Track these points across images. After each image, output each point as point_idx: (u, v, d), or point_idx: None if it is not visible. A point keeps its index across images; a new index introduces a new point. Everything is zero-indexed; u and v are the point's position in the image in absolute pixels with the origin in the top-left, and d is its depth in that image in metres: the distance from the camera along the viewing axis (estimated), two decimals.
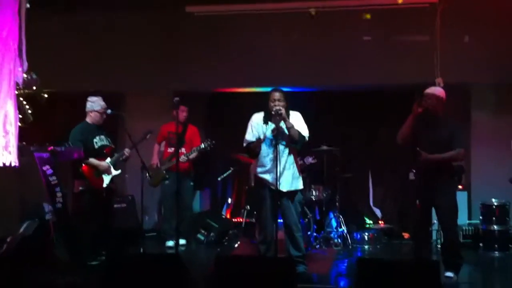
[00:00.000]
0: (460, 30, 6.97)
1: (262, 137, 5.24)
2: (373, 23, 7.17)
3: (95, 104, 6.05)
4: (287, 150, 5.22)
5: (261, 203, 5.27)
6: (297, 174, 5.32)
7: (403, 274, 3.79)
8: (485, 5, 6.84)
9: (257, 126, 5.31)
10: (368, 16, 7.14)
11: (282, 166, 5.12)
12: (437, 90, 5.56)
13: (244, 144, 5.38)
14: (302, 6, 7.09)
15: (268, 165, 5.18)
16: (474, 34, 6.94)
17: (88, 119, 6.06)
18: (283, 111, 5.04)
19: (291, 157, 5.27)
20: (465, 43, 7.03)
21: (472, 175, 7.40)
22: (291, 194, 5.23)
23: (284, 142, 5.18)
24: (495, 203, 6.68)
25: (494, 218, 6.65)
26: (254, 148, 5.30)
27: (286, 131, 5.14)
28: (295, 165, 5.30)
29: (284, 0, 7.04)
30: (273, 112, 5.09)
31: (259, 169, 5.31)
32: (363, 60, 7.16)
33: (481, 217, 6.80)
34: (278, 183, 4.98)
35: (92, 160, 5.90)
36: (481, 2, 6.86)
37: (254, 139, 5.28)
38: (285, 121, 5.08)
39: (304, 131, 5.25)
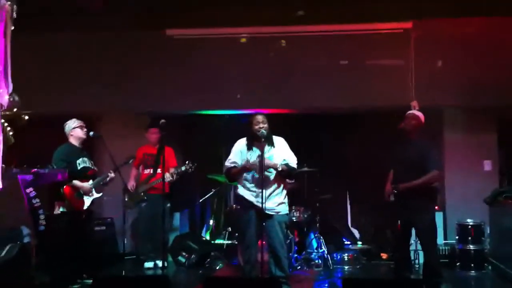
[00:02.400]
0: (433, 54, 7.17)
1: (243, 163, 5.32)
2: (349, 48, 7.32)
3: (71, 123, 6.09)
4: (273, 174, 5.30)
5: (246, 224, 5.32)
6: (284, 196, 5.40)
7: None
8: (456, 31, 7.08)
9: (239, 153, 5.40)
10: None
11: (269, 189, 5.21)
12: (418, 113, 5.77)
13: (224, 169, 5.48)
14: (278, 30, 7.23)
15: (255, 188, 5.25)
16: (447, 58, 7.14)
17: (71, 140, 6.06)
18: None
19: (279, 182, 5.35)
20: (438, 67, 7.22)
21: (447, 195, 7.57)
22: (278, 216, 5.31)
23: (268, 168, 5.26)
24: (471, 223, 6.84)
25: (469, 238, 6.79)
26: (234, 175, 5.43)
27: (270, 158, 5.24)
28: (282, 187, 5.38)
29: (261, 24, 7.15)
30: (258, 134, 5.17)
31: (246, 191, 5.38)
32: (340, 83, 7.30)
33: (457, 237, 6.94)
34: (264, 205, 5.05)
35: (75, 182, 5.89)
36: (452, 29, 7.09)
37: (231, 165, 5.38)
38: (274, 167, 5.21)
39: (293, 159, 5.39)
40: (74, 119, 6.15)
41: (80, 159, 6.02)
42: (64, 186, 5.83)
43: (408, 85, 7.06)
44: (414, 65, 7.11)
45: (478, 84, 6.99)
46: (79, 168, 5.98)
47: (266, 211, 5.17)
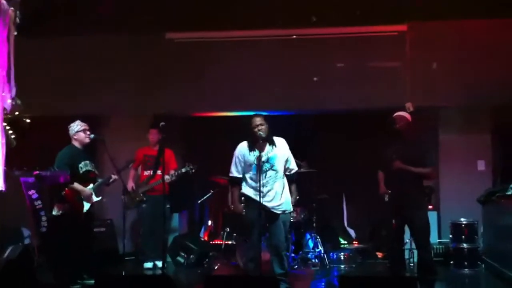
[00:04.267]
0: (428, 56, 7.26)
1: (250, 165, 5.46)
2: (346, 50, 7.43)
3: (75, 126, 6.15)
4: (277, 174, 5.42)
5: (251, 223, 5.43)
6: (289, 196, 5.53)
7: None
8: (450, 33, 7.19)
9: (242, 158, 5.51)
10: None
11: (274, 189, 5.33)
12: (404, 113, 5.90)
13: (230, 174, 5.62)
14: (279, 33, 7.33)
15: (262, 189, 5.32)
16: (441, 60, 7.23)
17: (74, 143, 6.13)
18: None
19: (281, 180, 5.47)
20: (433, 69, 7.30)
21: (441, 195, 7.67)
22: (282, 215, 5.44)
23: (273, 167, 5.39)
24: (464, 222, 6.94)
25: (463, 236, 6.89)
26: (234, 182, 5.60)
27: (273, 159, 5.38)
28: (286, 188, 5.51)
29: (260, 28, 7.25)
30: (257, 136, 5.30)
31: (250, 190, 5.49)
32: (337, 85, 7.41)
33: (451, 236, 7.04)
34: (265, 203, 5.23)
35: (77, 185, 5.95)
36: (447, 31, 7.20)
37: (238, 175, 5.53)
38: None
39: (294, 165, 5.57)
40: (78, 122, 6.18)
41: (83, 163, 6.09)
42: (65, 189, 5.90)
43: (404, 87, 7.16)
44: (410, 67, 7.21)
45: (472, 85, 7.09)
46: (81, 171, 6.05)
47: (272, 210, 5.31)
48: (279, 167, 5.44)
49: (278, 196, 5.40)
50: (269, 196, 5.34)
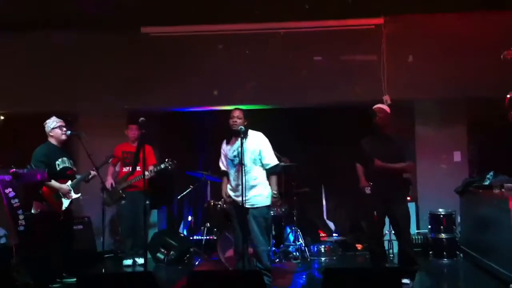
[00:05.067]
0: (405, 50, 7.32)
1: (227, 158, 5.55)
2: (322, 44, 7.43)
3: (50, 122, 6.05)
4: (250, 169, 5.41)
5: (232, 218, 5.55)
6: (262, 190, 5.49)
7: (367, 282, 4.00)
8: (427, 26, 7.25)
9: (223, 152, 5.66)
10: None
11: (246, 183, 5.29)
12: (384, 106, 5.95)
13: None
14: (255, 27, 7.29)
15: (233, 183, 5.44)
16: (418, 53, 7.29)
17: (51, 140, 6.03)
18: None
19: (254, 175, 5.46)
20: (409, 62, 7.37)
21: (419, 186, 7.76)
22: (254, 209, 5.42)
23: (245, 162, 5.37)
24: (442, 213, 7.05)
25: (442, 227, 7.01)
26: (225, 175, 5.71)
27: (245, 151, 5.38)
28: (259, 182, 5.49)
29: (239, 21, 7.21)
30: (233, 129, 5.33)
31: (228, 187, 5.60)
32: (314, 79, 7.41)
33: (429, 226, 7.15)
34: (233, 197, 5.35)
35: (54, 183, 5.86)
36: (423, 24, 7.26)
37: (224, 168, 5.67)
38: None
39: (270, 157, 5.52)
40: (53, 118, 6.09)
41: (60, 160, 6.00)
42: (43, 187, 5.80)
43: (380, 80, 7.20)
44: (386, 60, 7.26)
45: (448, 78, 7.18)
46: (58, 168, 5.95)
47: (240, 205, 5.30)
48: (247, 160, 5.39)
49: (246, 191, 5.32)
50: (238, 190, 5.35)
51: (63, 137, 6.06)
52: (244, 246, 5.23)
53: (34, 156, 5.84)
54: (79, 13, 6.65)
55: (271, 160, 5.51)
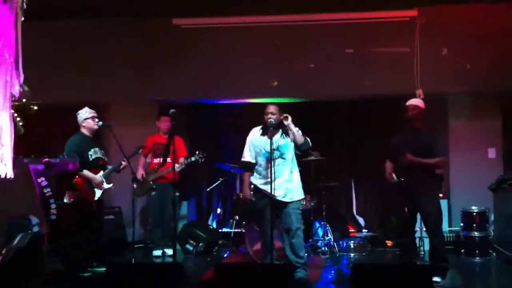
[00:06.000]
0: (438, 42, 7.16)
1: (261, 150, 5.48)
2: (355, 36, 7.31)
3: (83, 113, 6.13)
4: (285, 162, 5.40)
5: (261, 212, 5.49)
6: (297, 184, 5.52)
7: (396, 279, 3.93)
8: (461, 18, 7.08)
9: (254, 142, 5.56)
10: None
11: (281, 177, 5.32)
12: (418, 101, 5.82)
13: (242, 159, 5.66)
14: (286, 19, 7.22)
15: (268, 176, 5.32)
16: (452, 46, 7.13)
17: (83, 130, 6.11)
18: (289, 119, 5.25)
19: (290, 168, 5.47)
20: (443, 55, 7.20)
21: (451, 183, 7.63)
22: (291, 203, 5.44)
23: (283, 155, 5.39)
24: (475, 210, 6.90)
25: (474, 225, 6.86)
26: (246, 167, 5.64)
27: (283, 147, 5.33)
28: (294, 175, 5.51)
29: (266, 13, 7.16)
30: (268, 125, 5.27)
31: (259, 180, 5.54)
32: (346, 71, 7.30)
33: (462, 224, 7.01)
34: (273, 192, 5.17)
35: (86, 173, 5.94)
36: (457, 16, 7.09)
37: (251, 160, 5.58)
38: (290, 128, 5.31)
39: (304, 139, 5.46)
40: (86, 109, 6.17)
41: (92, 150, 6.08)
42: (76, 177, 5.89)
43: (413, 73, 7.07)
44: (420, 53, 7.11)
45: (483, 71, 7.00)
46: (91, 159, 6.04)
47: (279, 199, 5.32)
48: (288, 155, 5.49)
49: (286, 184, 5.42)
50: (276, 184, 5.32)
51: (95, 127, 6.14)
52: (271, 240, 5.21)
53: (67, 146, 5.93)
54: (110, 1, 6.67)
55: (308, 141, 5.51)
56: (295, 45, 7.41)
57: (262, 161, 5.51)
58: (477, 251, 6.80)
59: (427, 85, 7.01)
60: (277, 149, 5.38)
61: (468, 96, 7.59)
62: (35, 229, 6.52)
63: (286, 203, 5.43)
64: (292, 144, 5.48)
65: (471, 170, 7.51)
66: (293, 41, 7.40)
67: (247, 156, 5.61)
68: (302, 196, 5.63)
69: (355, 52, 7.40)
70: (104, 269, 4.06)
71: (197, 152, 6.84)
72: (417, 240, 6.81)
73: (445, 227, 7.12)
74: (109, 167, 6.23)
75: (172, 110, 5.04)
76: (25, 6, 4.49)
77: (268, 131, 5.38)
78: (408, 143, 5.67)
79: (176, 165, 6.61)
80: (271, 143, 5.19)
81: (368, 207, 8.32)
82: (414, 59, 7.10)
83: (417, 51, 7.13)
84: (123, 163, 6.18)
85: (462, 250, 6.93)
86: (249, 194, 5.67)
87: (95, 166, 6.06)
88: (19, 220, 6.66)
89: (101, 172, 6.09)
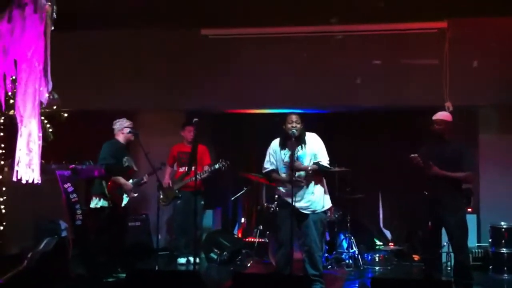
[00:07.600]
0: (468, 54, 7.08)
1: (280, 163, 5.46)
2: (383, 47, 7.29)
3: (123, 121, 6.27)
4: (306, 172, 5.36)
5: (281, 222, 5.45)
6: (321, 195, 5.46)
7: None
8: (491, 30, 7.00)
9: (274, 154, 5.53)
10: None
11: (303, 188, 5.29)
12: (445, 115, 5.75)
13: (263, 171, 5.64)
14: (313, 30, 7.25)
15: (290, 187, 5.29)
16: (481, 58, 7.04)
17: (119, 138, 6.25)
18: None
19: (312, 179, 5.41)
20: (473, 67, 7.10)
21: (480, 197, 7.46)
22: (313, 215, 5.39)
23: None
24: (504, 226, 6.73)
25: (503, 241, 6.68)
26: (270, 176, 5.61)
27: (302, 157, 5.33)
28: (318, 186, 5.44)
29: (296, 24, 7.18)
30: (290, 134, 5.25)
31: (282, 191, 5.51)
32: (374, 82, 7.28)
33: (490, 240, 6.84)
34: (296, 204, 5.19)
35: (120, 178, 6.06)
36: (487, 28, 7.00)
37: (271, 167, 5.53)
38: (305, 170, 5.32)
39: (324, 158, 5.44)
40: (124, 119, 6.32)
41: (125, 158, 6.23)
42: (108, 181, 6.01)
43: (442, 85, 6.99)
44: (449, 65, 7.03)
45: None
46: (124, 166, 6.17)
47: (301, 210, 5.29)
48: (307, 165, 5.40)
49: (307, 196, 5.36)
50: (298, 196, 5.30)
51: (132, 138, 6.26)
52: (291, 251, 5.17)
53: (104, 150, 6.06)
54: (139, 11, 6.80)
55: (324, 159, 5.45)
56: (322, 56, 7.42)
57: (283, 173, 5.46)
58: (505, 268, 6.62)
59: (457, 97, 6.93)
60: (297, 159, 5.34)
61: (499, 109, 7.45)
62: (64, 233, 6.64)
63: (307, 215, 5.38)
64: (312, 155, 5.43)
65: (502, 185, 7.32)
66: (320, 52, 7.41)
67: (268, 165, 5.56)
68: (326, 208, 5.53)
69: (383, 64, 7.37)
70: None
71: (220, 159, 6.89)
72: (444, 256, 6.71)
73: (473, 242, 6.97)
74: (135, 179, 6.33)
75: (195, 119, 5.09)
76: (55, 15, 4.61)
77: (289, 141, 5.35)
78: (435, 156, 5.59)
79: (200, 173, 6.69)
80: (292, 154, 5.18)
81: (396, 220, 8.20)
82: (443, 71, 7.03)
83: (446, 63, 7.05)
84: (144, 178, 6.29)
85: (490, 267, 6.76)
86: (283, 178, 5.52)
87: (126, 174, 6.18)
88: (48, 224, 6.80)
89: (131, 180, 6.21)
